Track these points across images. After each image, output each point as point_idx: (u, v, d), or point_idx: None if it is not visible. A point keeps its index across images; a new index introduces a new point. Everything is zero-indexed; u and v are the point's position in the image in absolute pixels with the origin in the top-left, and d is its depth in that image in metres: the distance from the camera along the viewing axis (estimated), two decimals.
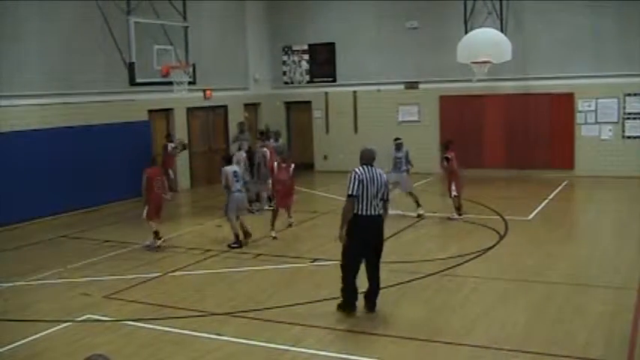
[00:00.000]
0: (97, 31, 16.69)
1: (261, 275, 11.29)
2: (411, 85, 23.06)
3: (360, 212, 8.79)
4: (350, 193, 8.77)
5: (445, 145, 15.82)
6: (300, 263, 11.85)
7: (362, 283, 9.11)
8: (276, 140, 18.18)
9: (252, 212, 16.12)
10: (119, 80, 17.12)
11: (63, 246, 14.00)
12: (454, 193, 15.17)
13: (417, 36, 22.67)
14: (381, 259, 9.14)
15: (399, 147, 15.81)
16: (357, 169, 8.91)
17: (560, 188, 18.80)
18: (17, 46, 16.16)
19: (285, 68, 25.22)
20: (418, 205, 15.47)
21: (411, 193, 15.71)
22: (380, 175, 8.95)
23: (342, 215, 8.88)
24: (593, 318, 8.72)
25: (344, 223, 8.86)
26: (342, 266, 9.12)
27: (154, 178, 13.32)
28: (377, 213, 8.87)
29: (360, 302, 9.15)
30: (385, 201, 9.02)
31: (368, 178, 8.79)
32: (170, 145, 19.44)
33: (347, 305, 9.07)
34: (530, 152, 21.35)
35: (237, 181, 13.24)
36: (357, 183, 8.74)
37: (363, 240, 8.87)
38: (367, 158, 9.08)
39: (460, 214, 15.19)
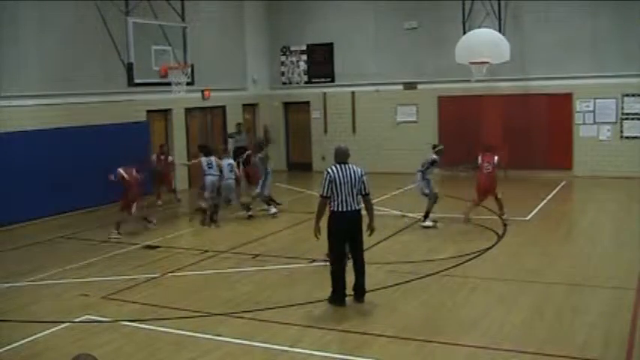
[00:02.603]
0: (96, 32, 16.70)
1: (260, 276, 11.30)
2: (410, 86, 23.07)
3: (335, 209, 9.25)
4: (321, 193, 9.33)
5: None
6: (298, 263, 11.86)
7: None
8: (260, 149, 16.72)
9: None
10: (118, 81, 17.14)
11: (61, 246, 14.01)
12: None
13: (416, 36, 22.69)
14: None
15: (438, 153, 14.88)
16: (329, 169, 9.35)
17: (558, 188, 18.81)
18: (16, 46, 16.17)
19: (283, 69, 25.22)
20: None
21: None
22: (354, 171, 9.31)
23: (316, 212, 9.46)
24: (592, 318, 8.73)
25: (317, 220, 9.42)
26: (330, 260, 9.57)
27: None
28: (353, 208, 9.25)
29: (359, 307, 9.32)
30: (365, 195, 9.37)
31: (341, 177, 9.21)
32: (170, 157, 18.82)
33: (335, 295, 9.40)
34: (528, 152, 21.36)
35: (210, 167, 15.49)
36: (327, 183, 9.22)
37: (340, 234, 9.32)
38: (341, 156, 9.46)
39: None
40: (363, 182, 9.34)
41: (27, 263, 12.52)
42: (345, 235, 9.35)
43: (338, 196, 9.19)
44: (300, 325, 8.76)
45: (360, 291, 9.53)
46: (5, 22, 16.00)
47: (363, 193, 9.36)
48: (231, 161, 16.22)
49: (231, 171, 15.77)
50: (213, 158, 15.84)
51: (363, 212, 9.50)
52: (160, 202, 18.54)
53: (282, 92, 25.28)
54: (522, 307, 9.32)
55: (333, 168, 9.32)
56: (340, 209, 9.22)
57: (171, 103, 20.26)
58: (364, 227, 9.52)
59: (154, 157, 18.58)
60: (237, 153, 20.13)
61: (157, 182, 18.51)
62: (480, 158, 14.59)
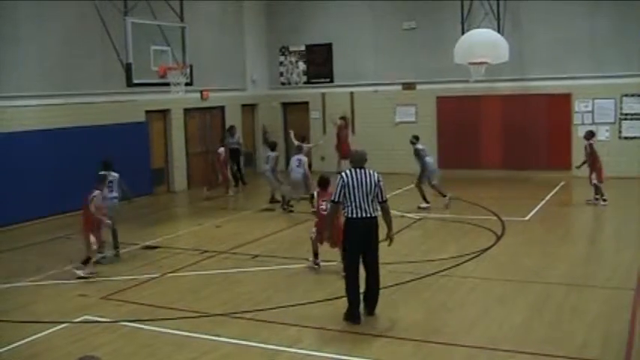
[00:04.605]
0: (95, 32, 16.69)
1: (259, 276, 11.30)
2: (409, 86, 23.08)
3: (350, 215, 8.80)
4: (332, 199, 8.98)
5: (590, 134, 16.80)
6: (297, 264, 11.86)
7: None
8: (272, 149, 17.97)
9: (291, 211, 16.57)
10: (116, 81, 17.10)
11: (60, 247, 13.99)
12: (594, 180, 16.23)
13: (415, 37, 22.69)
14: (379, 261, 9.08)
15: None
16: (343, 174, 8.90)
17: (557, 189, 18.82)
18: (15, 47, 16.17)
19: (282, 69, 25.23)
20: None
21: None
22: (371, 176, 8.85)
23: (326, 218, 9.31)
24: (591, 318, 8.75)
25: (328, 226, 9.34)
26: (344, 270, 9.19)
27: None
28: (368, 215, 8.77)
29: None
30: (382, 202, 8.92)
31: (355, 182, 8.75)
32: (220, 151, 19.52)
33: (350, 310, 8.90)
34: (527, 153, 21.37)
35: (111, 190, 12.58)
36: (340, 188, 8.78)
37: (355, 242, 8.86)
38: (357, 160, 9.05)
39: (604, 200, 16.23)
40: (380, 188, 8.84)
41: (27, 263, 12.52)
42: (361, 243, 8.85)
43: (352, 202, 8.73)
44: (299, 326, 8.76)
45: (371, 303, 9.06)
46: (4, 22, 15.99)
47: (380, 200, 8.88)
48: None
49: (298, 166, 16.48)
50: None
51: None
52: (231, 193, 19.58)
53: (281, 92, 25.28)
54: (521, 307, 9.33)
55: (348, 172, 8.86)
56: (355, 215, 8.75)
57: (170, 104, 20.26)
58: (381, 236, 9.01)
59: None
60: (231, 156, 20.14)
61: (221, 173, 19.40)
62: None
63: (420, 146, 16.91)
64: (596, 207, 16.16)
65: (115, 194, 12.71)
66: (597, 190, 16.27)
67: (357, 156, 9.13)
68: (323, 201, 10.96)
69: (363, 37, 23.56)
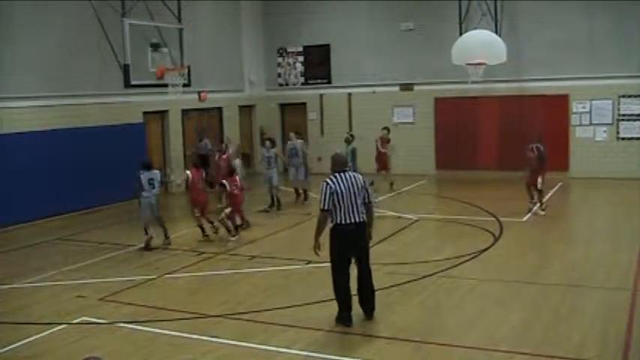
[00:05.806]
0: (92, 33, 16.69)
1: (256, 277, 11.29)
2: (406, 87, 23.09)
3: (339, 221, 8.56)
4: (321, 207, 8.58)
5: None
6: (294, 265, 11.86)
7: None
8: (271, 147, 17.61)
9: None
10: (114, 82, 17.13)
11: (58, 248, 13.98)
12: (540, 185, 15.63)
13: (412, 37, 22.71)
14: (372, 262, 9.03)
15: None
16: (327, 180, 8.58)
17: (554, 190, 18.82)
18: (12, 47, 16.16)
19: (279, 70, 25.23)
20: None
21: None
22: (356, 178, 8.66)
23: (316, 227, 8.72)
24: (588, 319, 8.75)
25: (317, 236, 8.70)
26: (332, 275, 8.94)
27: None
28: (358, 220, 8.59)
29: (359, 309, 9.09)
30: (368, 203, 8.77)
31: (343, 187, 8.52)
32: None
33: (341, 314, 8.82)
34: (524, 154, 21.31)
35: (153, 187, 13.49)
36: (327, 195, 8.49)
37: (345, 248, 8.67)
38: (340, 164, 8.78)
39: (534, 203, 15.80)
40: (367, 190, 8.70)
41: (25, 265, 12.52)
42: (351, 250, 8.69)
43: (341, 208, 8.48)
44: (297, 327, 8.76)
45: (369, 308, 8.97)
46: (1, 23, 15.98)
47: (367, 201, 8.73)
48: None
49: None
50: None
51: None
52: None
53: (279, 93, 25.29)
54: (519, 307, 9.33)
55: (333, 179, 8.56)
56: (345, 221, 8.51)
57: (167, 105, 20.24)
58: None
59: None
60: (203, 161, 18.97)
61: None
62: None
63: (355, 146, 17.03)
64: (597, 208, 16.15)
65: (155, 191, 13.52)
66: (540, 194, 15.81)
67: (339, 159, 8.85)
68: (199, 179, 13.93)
69: (360, 38, 23.56)
